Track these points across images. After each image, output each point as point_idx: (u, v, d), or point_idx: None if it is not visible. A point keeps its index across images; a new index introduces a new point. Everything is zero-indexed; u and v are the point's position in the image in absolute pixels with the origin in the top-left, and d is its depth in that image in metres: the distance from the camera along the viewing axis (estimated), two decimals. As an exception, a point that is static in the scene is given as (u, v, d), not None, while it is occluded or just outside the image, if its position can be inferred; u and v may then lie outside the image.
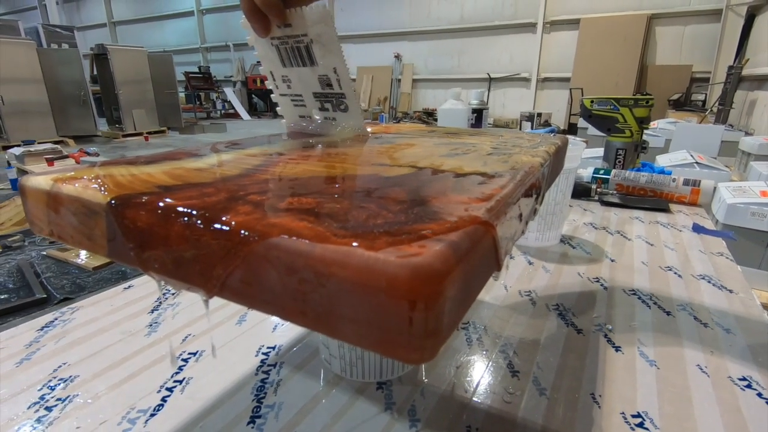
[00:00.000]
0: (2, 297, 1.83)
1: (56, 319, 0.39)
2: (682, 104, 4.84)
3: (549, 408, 0.28)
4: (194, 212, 0.15)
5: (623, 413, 0.28)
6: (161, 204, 0.16)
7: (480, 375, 0.32)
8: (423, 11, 6.72)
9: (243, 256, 0.13)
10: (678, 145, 2.53)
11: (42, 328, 0.37)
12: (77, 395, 0.29)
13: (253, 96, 8.58)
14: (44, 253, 2.22)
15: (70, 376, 0.31)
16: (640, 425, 0.27)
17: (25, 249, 2.30)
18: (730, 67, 3.84)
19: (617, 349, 0.35)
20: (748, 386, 0.30)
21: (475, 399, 0.29)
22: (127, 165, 0.22)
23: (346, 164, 0.23)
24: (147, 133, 5.80)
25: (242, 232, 0.13)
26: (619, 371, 0.32)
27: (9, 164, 3.52)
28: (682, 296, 0.43)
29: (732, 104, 3.76)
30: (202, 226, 0.14)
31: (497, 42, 6.32)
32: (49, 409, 0.28)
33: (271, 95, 0.34)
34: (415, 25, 6.82)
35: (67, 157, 4.03)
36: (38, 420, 0.27)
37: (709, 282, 0.46)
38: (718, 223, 1.57)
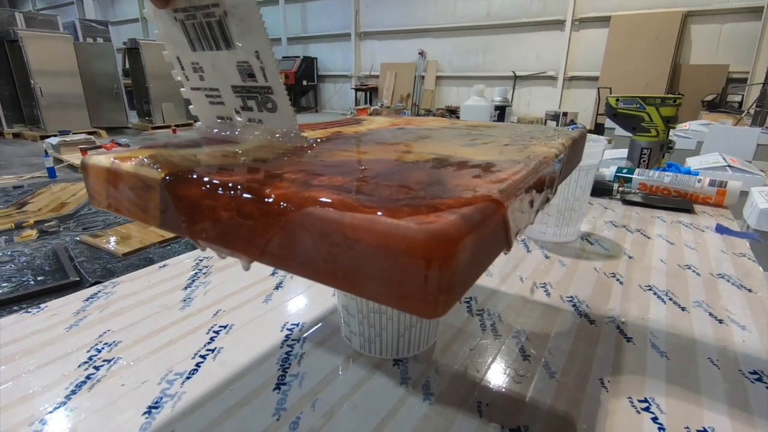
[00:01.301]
0: (39, 278, 1.94)
1: (99, 291, 0.42)
2: (717, 105, 4.66)
3: (558, 389, 0.30)
4: (239, 186, 0.17)
5: (630, 398, 0.29)
6: (210, 179, 0.18)
7: (492, 357, 0.33)
8: (449, 8, 6.67)
9: (282, 224, 0.15)
10: (710, 148, 2.45)
11: (87, 299, 0.40)
12: (120, 358, 0.32)
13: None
14: (78, 238, 2.33)
15: (114, 341, 0.34)
16: (646, 409, 0.28)
17: (60, 234, 2.42)
18: (770, 67, 3.67)
19: (629, 339, 0.36)
20: (759, 380, 0.31)
21: (486, 378, 0.31)
22: (176, 148, 0.24)
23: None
24: (175, 125, 5.98)
25: (282, 203, 0.15)
26: (629, 360, 0.33)
27: (46, 153, 3.69)
28: (699, 293, 0.44)
29: (770, 106, 3.60)
30: (246, 198, 0.16)
31: (524, 39, 6.22)
32: (96, 368, 0.31)
33: (182, 89, 0.26)
34: (441, 22, 6.77)
35: (99, 147, 4.20)
36: (88, 377, 0.30)
37: (728, 281, 0.46)
38: (750, 228, 1.52)
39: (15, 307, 1.67)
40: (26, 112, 5.38)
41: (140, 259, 2.08)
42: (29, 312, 0.38)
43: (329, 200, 0.15)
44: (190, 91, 0.26)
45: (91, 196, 0.24)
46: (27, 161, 4.06)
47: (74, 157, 3.92)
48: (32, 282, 1.91)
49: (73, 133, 4.58)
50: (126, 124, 6.01)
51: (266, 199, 0.16)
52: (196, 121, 0.28)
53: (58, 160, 3.93)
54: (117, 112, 5.90)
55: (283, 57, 7.92)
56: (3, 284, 1.86)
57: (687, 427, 0.27)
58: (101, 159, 0.22)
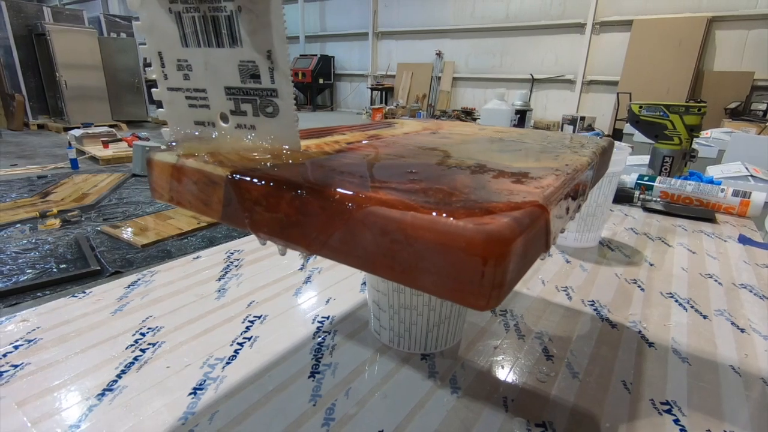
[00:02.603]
0: (62, 266, 2.00)
1: (139, 279, 0.44)
2: (740, 113, 4.57)
3: (581, 389, 0.31)
4: (304, 186, 0.18)
5: (652, 400, 0.30)
6: (274, 178, 0.20)
7: (516, 356, 0.34)
8: (467, 9, 6.65)
9: (345, 221, 0.17)
10: (732, 157, 2.41)
11: (129, 286, 0.43)
12: (164, 342, 0.34)
13: (294, 88, 8.76)
14: (99, 228, 2.39)
15: (157, 327, 0.36)
16: (668, 411, 0.29)
17: (82, 224, 2.48)
18: (797, 76, 3.59)
19: (650, 344, 0.36)
20: (780, 388, 0.32)
21: (511, 375, 0.32)
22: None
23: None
24: (193, 120, 6.07)
25: (347, 203, 0.17)
26: (650, 364, 0.34)
27: (69, 144, 3.79)
28: (721, 302, 0.44)
29: (796, 115, 3.51)
30: (310, 197, 0.18)
31: (542, 42, 6.17)
32: (143, 350, 0.33)
33: (154, 90, 0.24)
34: (458, 23, 6.75)
35: (120, 140, 4.30)
36: (135, 359, 0.32)
37: (750, 291, 0.47)
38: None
39: (39, 294, 1.73)
40: (51, 103, 5.52)
41: (158, 250, 2.13)
42: (76, 296, 0.40)
43: (390, 200, 0.16)
44: (165, 91, 0.23)
45: (153, 189, 0.25)
46: (51, 152, 4.17)
47: (96, 149, 4.02)
48: (55, 269, 1.97)
49: (95, 126, 4.69)
50: (146, 118, 6.12)
51: (330, 198, 0.17)
52: (163, 125, 0.26)
53: (81, 152, 4.03)
54: (137, 105, 6.02)
55: (300, 55, 7.99)
56: (27, 271, 1.93)
57: (708, 430, 0.28)
58: (166, 156, 0.24)
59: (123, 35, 6.25)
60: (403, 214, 0.16)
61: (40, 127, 5.43)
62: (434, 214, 0.15)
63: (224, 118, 0.23)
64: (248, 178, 0.20)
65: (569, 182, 0.22)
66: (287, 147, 0.23)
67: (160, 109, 0.24)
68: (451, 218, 0.15)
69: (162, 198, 0.25)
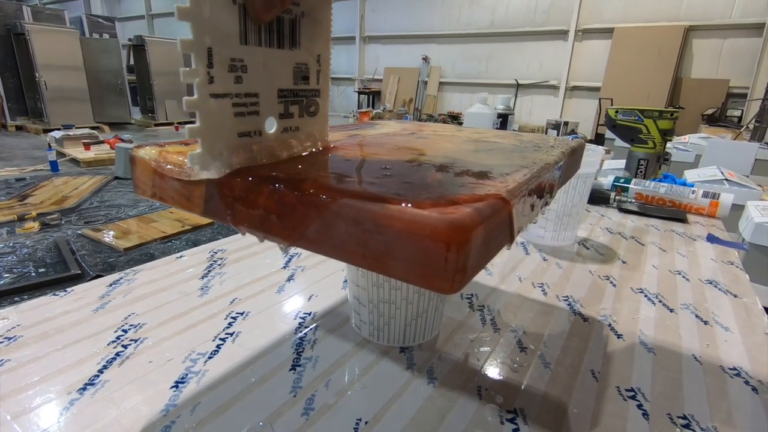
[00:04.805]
0: (41, 270, 1.96)
1: (121, 278, 0.44)
2: (717, 120, 4.72)
3: (552, 378, 0.32)
4: (281, 180, 0.19)
5: (618, 387, 0.32)
6: (254, 173, 0.20)
7: (491, 348, 0.36)
8: (454, 15, 6.73)
9: (320, 213, 0.18)
10: (709, 161, 2.49)
11: (111, 285, 0.43)
12: (147, 338, 0.35)
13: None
14: (79, 232, 2.35)
15: (139, 323, 0.37)
16: (633, 397, 0.31)
17: (62, 227, 2.44)
18: (769, 84, 3.73)
19: (619, 336, 0.38)
20: (737, 375, 0.34)
21: (486, 366, 0.33)
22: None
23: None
24: (177, 123, 6.01)
25: (321, 195, 0.18)
26: (618, 354, 0.36)
27: (49, 146, 3.71)
28: (688, 297, 0.46)
29: (768, 122, 3.65)
30: (287, 191, 0.19)
31: (527, 48, 6.28)
32: (125, 346, 0.33)
33: (188, 99, 0.18)
34: (445, 29, 6.83)
35: (102, 142, 4.22)
36: (117, 354, 0.33)
37: (715, 287, 0.49)
38: (745, 241, 1.55)
39: (17, 298, 1.69)
40: (30, 105, 5.40)
41: (141, 254, 2.10)
42: (57, 295, 0.40)
43: (363, 193, 0.17)
44: (207, 98, 0.19)
45: (136, 185, 0.26)
46: (30, 154, 4.08)
47: (77, 151, 3.94)
48: (33, 273, 1.93)
49: (76, 128, 4.60)
50: (129, 120, 6.04)
51: (306, 192, 0.18)
52: (186, 144, 0.24)
53: (61, 154, 3.95)
54: (120, 107, 5.94)
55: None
56: (5, 275, 1.88)
57: (669, 414, 0.29)
58: (149, 151, 0.25)
59: (106, 36, 6.16)
60: (374, 205, 0.17)
61: (19, 128, 5.31)
62: (403, 204, 0.16)
63: (273, 123, 0.22)
64: (229, 174, 0.21)
65: (534, 179, 0.23)
66: (320, 141, 0.25)
67: (191, 125, 0.19)
68: (418, 208, 0.16)
69: (145, 194, 0.26)
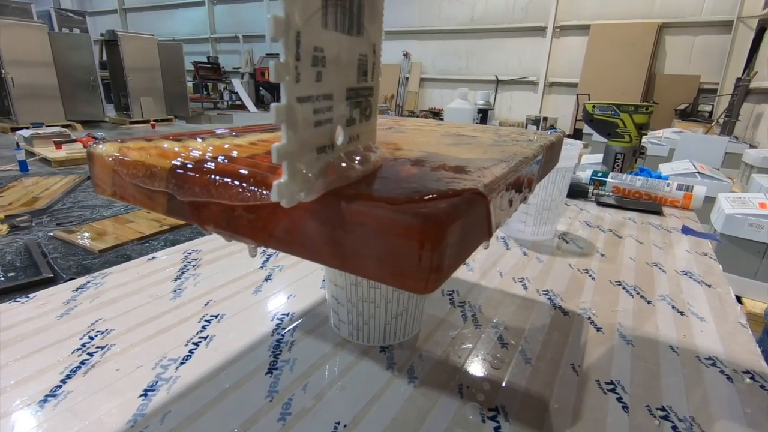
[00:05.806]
0: (10, 275, 1.88)
1: (89, 282, 0.42)
2: (689, 114, 4.86)
3: (533, 374, 0.32)
4: (249, 178, 0.18)
5: (598, 380, 0.32)
6: (220, 170, 0.19)
7: (473, 345, 0.35)
8: (434, 11, 6.74)
9: (289, 212, 0.17)
10: (682, 155, 2.56)
11: (77, 289, 0.41)
12: (114, 345, 0.33)
13: (261, 88, 8.62)
14: (51, 234, 2.27)
15: (107, 329, 0.35)
16: (612, 390, 0.31)
17: (33, 229, 2.35)
18: (738, 80, 3.86)
19: (599, 329, 0.38)
20: (713, 364, 0.34)
21: (467, 364, 0.33)
22: (173, 140, 0.25)
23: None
24: (154, 120, 5.85)
25: (288, 190, 0.17)
26: (598, 347, 0.36)
27: (18, 145, 3.57)
28: (664, 288, 0.47)
29: (738, 116, 3.78)
30: (255, 188, 0.18)
31: (506, 44, 6.33)
32: (91, 354, 0.32)
33: (276, 105, 0.14)
34: (425, 25, 6.83)
35: (75, 141, 4.08)
36: (82, 362, 0.31)
37: (690, 277, 0.50)
38: (716, 232, 1.60)
39: (-16, 304, 1.62)
40: (-4, 102, 5.18)
41: (117, 255, 2.04)
42: (18, 301, 0.38)
43: (333, 189, 0.17)
44: (294, 104, 0.14)
45: (96, 184, 0.25)
46: (-3, 153, 3.91)
47: (48, 150, 3.80)
48: (2, 278, 1.85)
49: (47, 126, 4.44)
50: (102, 118, 5.85)
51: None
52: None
53: (31, 153, 3.80)
54: (93, 105, 5.74)
55: (267, 54, 7.85)
56: (-28, 280, 1.80)
57: (647, 406, 0.29)
58: (108, 148, 0.23)
59: (76, 30, 5.95)
60: (343, 201, 0.16)
61: (-16, 127, 5.08)
62: (374, 200, 0.15)
63: (339, 135, 0.18)
64: (192, 172, 0.20)
65: (512, 173, 0.23)
66: (371, 144, 0.21)
67: (278, 144, 0.14)
68: (390, 205, 0.15)
69: (104, 193, 0.24)
